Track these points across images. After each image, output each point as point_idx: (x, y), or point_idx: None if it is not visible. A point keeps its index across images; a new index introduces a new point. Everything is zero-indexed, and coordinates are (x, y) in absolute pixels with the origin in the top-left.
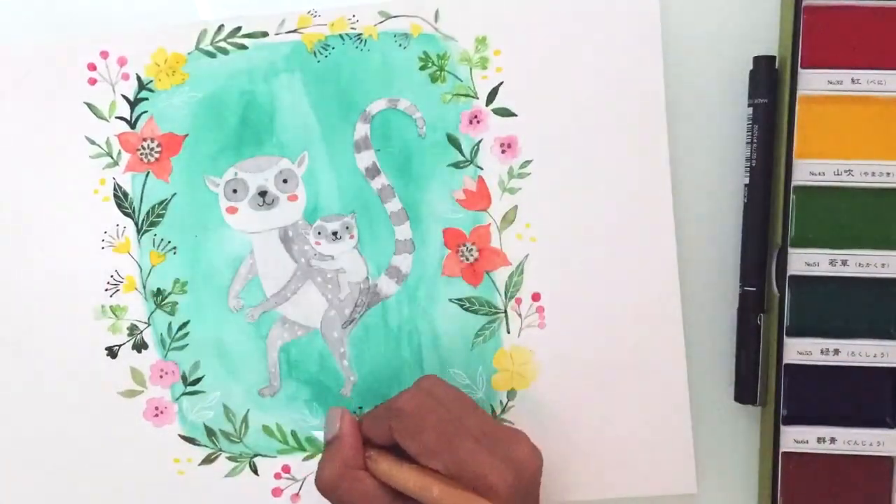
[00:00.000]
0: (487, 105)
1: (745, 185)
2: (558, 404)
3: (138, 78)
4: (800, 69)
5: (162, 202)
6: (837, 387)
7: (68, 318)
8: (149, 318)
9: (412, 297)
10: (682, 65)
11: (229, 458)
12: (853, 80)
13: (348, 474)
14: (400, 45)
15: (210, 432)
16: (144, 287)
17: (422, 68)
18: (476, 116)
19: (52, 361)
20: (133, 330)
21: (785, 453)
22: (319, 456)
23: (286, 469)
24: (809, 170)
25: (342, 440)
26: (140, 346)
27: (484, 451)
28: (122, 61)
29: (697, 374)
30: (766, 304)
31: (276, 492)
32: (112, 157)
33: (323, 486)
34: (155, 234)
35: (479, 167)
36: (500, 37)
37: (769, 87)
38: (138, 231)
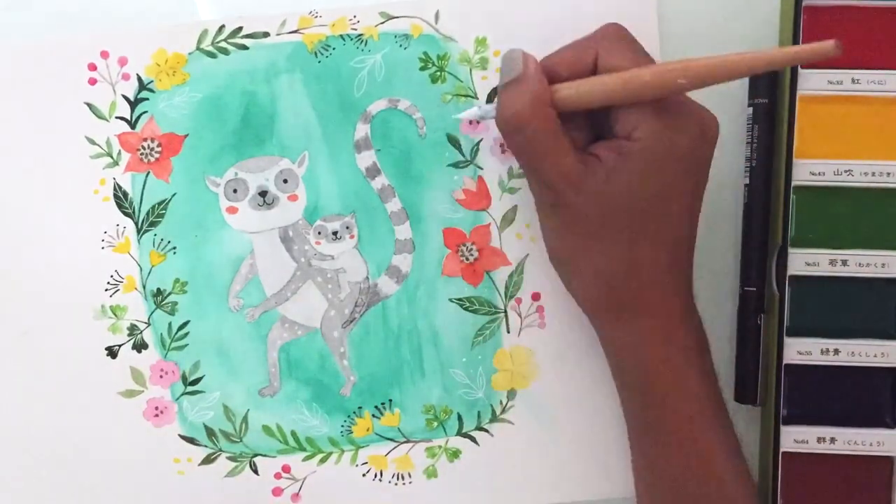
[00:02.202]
0: (487, 105)
1: (745, 185)
2: (558, 404)
3: (139, 78)
4: (800, 69)
5: (162, 202)
6: (837, 387)
7: (68, 318)
8: (149, 318)
9: (412, 297)
10: None
11: (229, 458)
12: (853, 80)
13: (540, 109)
14: (400, 46)
15: (210, 432)
16: (144, 287)
17: (422, 69)
18: None
19: (52, 361)
20: (133, 330)
21: (785, 453)
22: (320, 455)
23: (286, 469)
24: (809, 170)
25: (528, 75)
26: (140, 346)
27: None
28: (122, 61)
29: None
30: (766, 304)
31: (277, 491)
32: (112, 157)
33: (511, 122)
34: (155, 234)
35: (479, 167)
36: (500, 37)
37: (769, 87)
38: (138, 231)
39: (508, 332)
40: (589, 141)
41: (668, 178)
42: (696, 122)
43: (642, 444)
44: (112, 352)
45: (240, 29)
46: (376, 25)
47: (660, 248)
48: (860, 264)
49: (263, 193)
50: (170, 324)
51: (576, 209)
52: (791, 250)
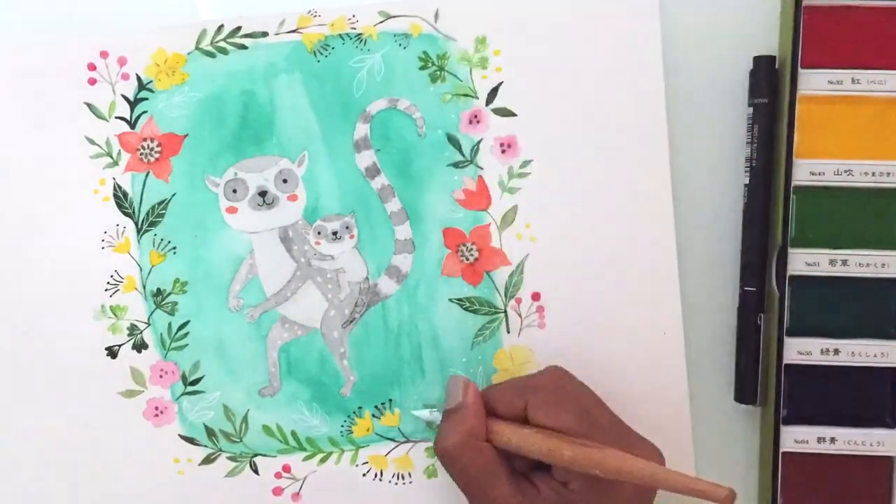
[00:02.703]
0: (487, 105)
1: (745, 185)
2: None
3: (138, 78)
4: (800, 69)
5: (162, 202)
6: (837, 387)
7: (68, 318)
8: (149, 318)
9: (412, 297)
10: (682, 65)
11: (229, 458)
12: (853, 80)
13: (472, 444)
14: (400, 45)
15: (210, 432)
16: (144, 287)
17: (422, 68)
18: (476, 116)
19: (52, 361)
20: (133, 330)
21: (785, 453)
22: (320, 455)
23: (286, 468)
24: (809, 170)
25: (467, 409)
26: (140, 346)
27: (622, 434)
28: (122, 61)
29: (697, 374)
30: (766, 304)
31: (277, 491)
32: (112, 157)
33: (445, 453)
34: (155, 234)
35: (478, 167)
36: (500, 37)
37: (769, 87)
38: (138, 231)
39: (508, 332)
40: (531, 465)
41: None
42: (635, 492)
43: None
44: (112, 352)
45: (239, 29)
46: (375, 25)
47: None
48: (860, 264)
49: (263, 193)
50: (170, 324)
51: None
52: (791, 250)
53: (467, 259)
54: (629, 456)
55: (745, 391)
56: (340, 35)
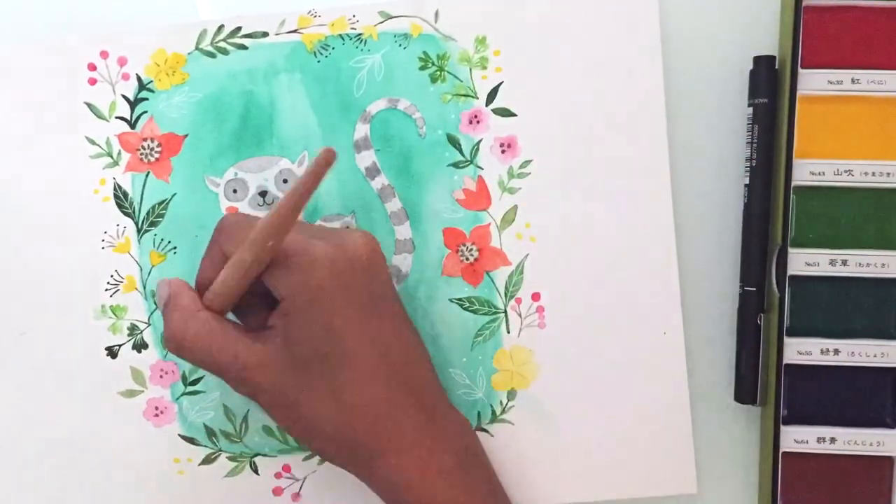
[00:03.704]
0: (487, 105)
1: (745, 185)
2: (558, 404)
3: (138, 78)
4: (800, 69)
5: (162, 202)
6: (837, 387)
7: (68, 318)
8: (149, 318)
9: (412, 297)
10: (682, 65)
11: (229, 458)
12: (853, 80)
13: (191, 318)
14: (400, 46)
15: (210, 432)
16: (144, 287)
17: (422, 68)
18: (476, 116)
19: (52, 361)
20: (133, 330)
21: (785, 453)
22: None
23: (287, 468)
24: (809, 170)
25: (172, 297)
26: (140, 346)
27: (307, 233)
28: (122, 61)
29: (697, 374)
30: (766, 304)
31: (277, 491)
32: (112, 157)
33: (171, 341)
34: (155, 234)
35: (478, 167)
36: (500, 37)
37: (769, 87)
38: (138, 231)
39: (508, 332)
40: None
41: (321, 319)
42: (324, 257)
43: None
44: (112, 352)
45: (239, 29)
46: (376, 25)
47: (368, 382)
48: (860, 264)
49: (263, 193)
50: None
51: (272, 385)
52: (791, 250)
53: (467, 259)
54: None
55: (745, 391)
56: (340, 35)
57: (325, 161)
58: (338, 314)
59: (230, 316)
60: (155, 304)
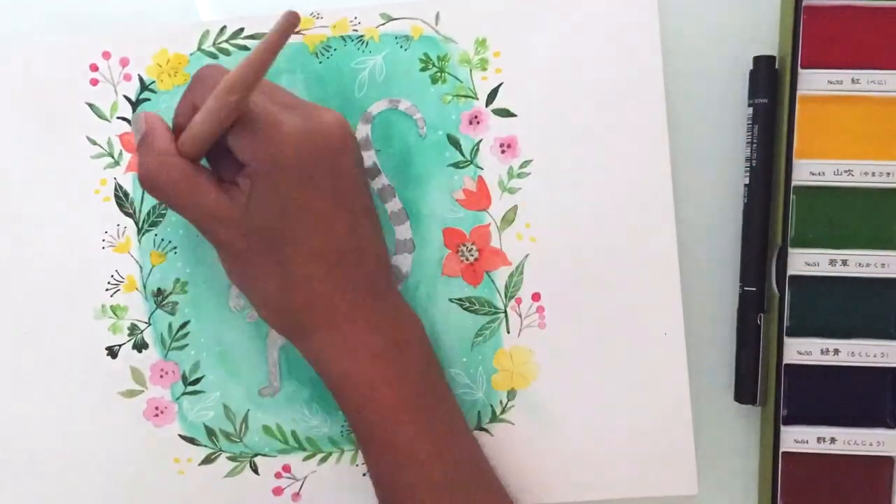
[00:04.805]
0: (487, 106)
1: (745, 185)
2: (558, 404)
3: (140, 79)
4: (800, 69)
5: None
6: (837, 387)
7: (68, 318)
8: (149, 318)
9: (412, 297)
10: (682, 65)
11: (229, 458)
12: (853, 80)
13: (167, 160)
14: (401, 47)
15: (210, 432)
16: (145, 287)
17: (422, 69)
18: (476, 117)
19: (52, 361)
20: (133, 330)
21: (785, 453)
22: (320, 455)
23: (287, 468)
24: (809, 170)
25: (151, 134)
26: (140, 346)
27: (280, 102)
28: (124, 62)
29: (697, 374)
30: (766, 304)
31: (277, 491)
32: (113, 158)
33: (144, 179)
34: (155, 234)
35: (479, 167)
36: (500, 38)
37: (769, 87)
38: (139, 231)
39: (508, 332)
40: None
41: (286, 190)
42: (294, 130)
43: (364, 454)
44: (112, 352)
45: (241, 30)
46: (377, 27)
47: (311, 259)
48: (860, 264)
49: None
50: (170, 324)
51: (228, 243)
52: (791, 250)
53: (467, 259)
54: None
55: (745, 391)
56: (342, 36)
57: (290, 22)
58: (295, 193)
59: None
60: (155, 303)
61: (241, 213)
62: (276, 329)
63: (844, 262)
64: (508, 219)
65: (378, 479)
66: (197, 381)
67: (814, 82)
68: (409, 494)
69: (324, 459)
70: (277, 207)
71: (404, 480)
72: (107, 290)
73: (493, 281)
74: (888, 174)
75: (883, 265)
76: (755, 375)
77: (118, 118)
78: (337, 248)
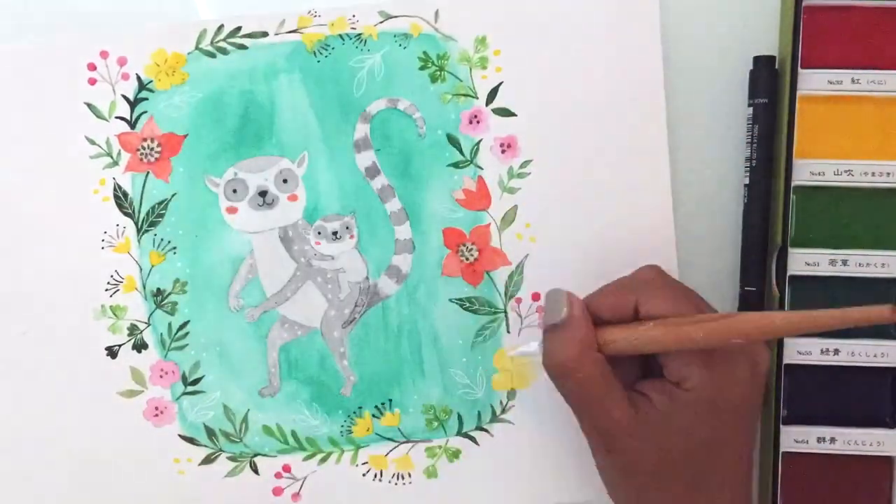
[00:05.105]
0: (487, 105)
1: (745, 185)
2: (558, 404)
3: (138, 78)
4: (800, 69)
5: (162, 202)
6: (837, 387)
7: (68, 318)
8: (149, 318)
9: (412, 297)
10: (682, 65)
11: (229, 458)
12: (853, 80)
13: (588, 356)
14: (400, 45)
15: (210, 432)
16: (144, 287)
17: (422, 68)
18: (476, 116)
19: (52, 361)
20: (133, 330)
21: (785, 453)
22: (320, 455)
23: (287, 468)
24: (809, 170)
25: (575, 320)
26: (140, 346)
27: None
28: (122, 61)
29: None
30: (766, 304)
31: (277, 491)
32: (112, 157)
33: (559, 369)
34: (155, 234)
35: (478, 167)
36: (500, 37)
37: (769, 87)
38: (138, 231)
39: (508, 332)
40: (635, 377)
41: (723, 425)
42: (748, 366)
43: None
44: (112, 352)
45: (239, 29)
46: (375, 25)
47: (716, 493)
48: (860, 264)
49: (263, 193)
50: (170, 324)
51: (630, 454)
52: (791, 250)
53: (467, 259)
54: (759, 313)
55: None
56: (340, 35)
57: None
58: (728, 434)
59: None
60: (155, 304)
61: (652, 430)
62: None
63: (844, 262)
64: (508, 219)
65: None
66: (197, 381)
67: (814, 82)
68: None
69: (324, 459)
70: (707, 438)
71: None
72: (106, 290)
73: (493, 281)
74: (888, 174)
75: (883, 265)
76: None
77: (116, 118)
78: (739, 483)
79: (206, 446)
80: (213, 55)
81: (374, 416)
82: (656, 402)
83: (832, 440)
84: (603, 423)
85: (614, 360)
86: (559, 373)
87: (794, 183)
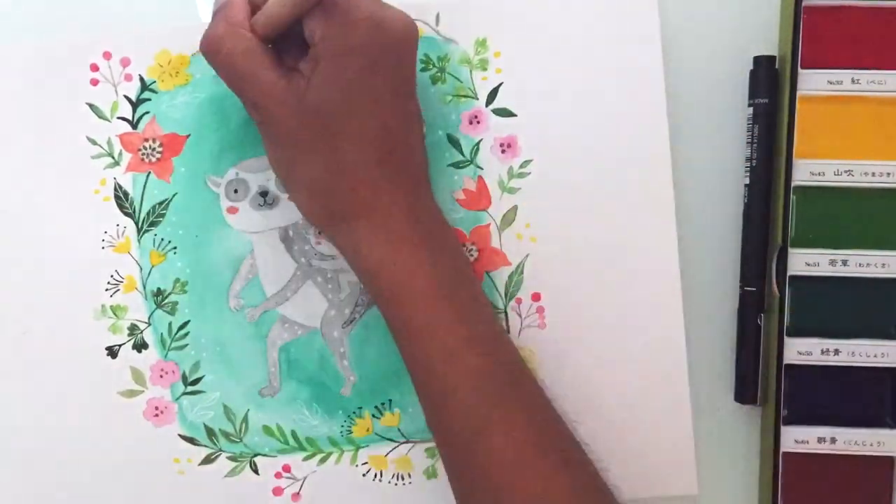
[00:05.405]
0: (487, 105)
1: (745, 185)
2: (558, 404)
3: (141, 79)
4: (800, 69)
5: (163, 202)
6: (837, 387)
7: (68, 318)
8: (149, 318)
9: None
10: (682, 65)
11: (229, 458)
12: (853, 80)
13: (232, 31)
14: None
15: (210, 432)
16: (145, 287)
17: (423, 70)
18: (476, 117)
19: (52, 361)
20: (133, 330)
21: (785, 453)
22: (320, 455)
23: (286, 468)
24: (809, 170)
25: (232, 4)
26: (140, 346)
27: None
28: (125, 62)
29: (697, 374)
30: (766, 304)
31: (277, 491)
32: (113, 158)
33: (207, 45)
34: (155, 234)
35: (479, 167)
36: (500, 39)
37: (769, 87)
38: (139, 231)
39: (508, 332)
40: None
41: (352, 74)
42: (368, 17)
43: (398, 345)
44: (112, 352)
45: None
46: None
47: (364, 146)
48: (860, 264)
49: (264, 193)
50: (170, 324)
51: (280, 123)
52: (791, 250)
53: None
54: None
55: (745, 391)
56: None
57: None
58: (358, 80)
59: None
60: (155, 304)
61: (297, 97)
62: (312, 218)
63: (844, 262)
64: (508, 219)
65: (412, 370)
66: (197, 381)
67: (814, 82)
68: (443, 383)
69: (324, 459)
70: (338, 89)
71: (438, 369)
72: (106, 290)
73: (493, 281)
74: (888, 174)
75: (883, 265)
76: (755, 375)
77: (118, 118)
78: (390, 139)
79: (206, 446)
80: None
81: (373, 416)
82: (303, 69)
83: (833, 440)
84: (252, 95)
85: (279, 50)
86: (212, 51)
87: (794, 183)
